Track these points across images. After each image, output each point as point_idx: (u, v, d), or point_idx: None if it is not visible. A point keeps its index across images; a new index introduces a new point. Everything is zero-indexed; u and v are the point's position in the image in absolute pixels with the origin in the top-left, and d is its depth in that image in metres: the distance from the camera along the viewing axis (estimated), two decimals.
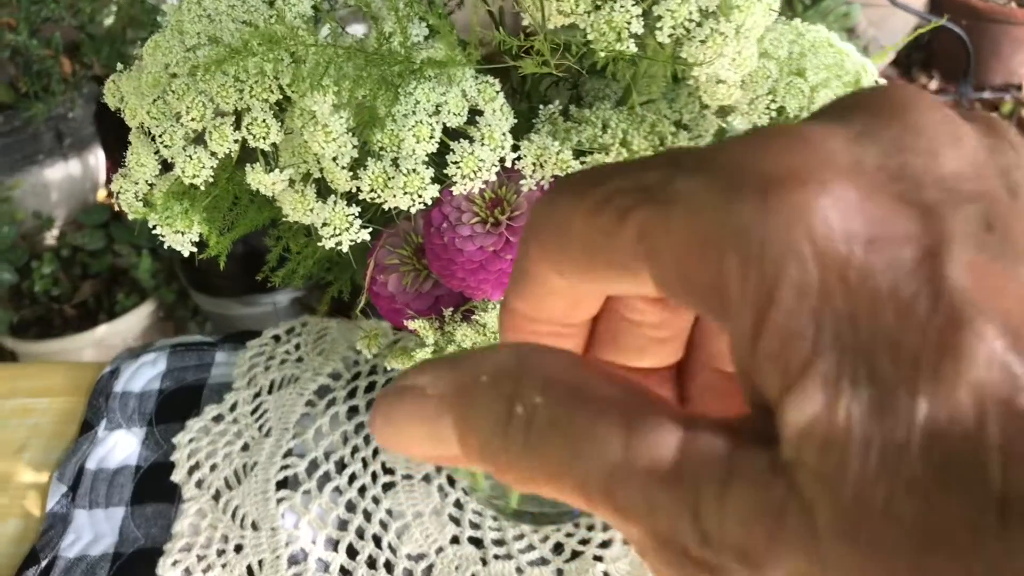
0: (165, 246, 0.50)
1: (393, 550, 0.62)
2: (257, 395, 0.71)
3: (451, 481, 0.66)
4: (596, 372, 0.19)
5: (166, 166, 0.49)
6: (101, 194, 1.76)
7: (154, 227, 0.49)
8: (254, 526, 0.64)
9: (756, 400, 0.17)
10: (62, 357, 1.53)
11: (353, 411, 0.70)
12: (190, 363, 0.74)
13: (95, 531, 0.64)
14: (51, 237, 1.68)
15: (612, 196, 0.18)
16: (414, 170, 0.45)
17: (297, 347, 0.75)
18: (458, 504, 0.65)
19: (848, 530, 0.14)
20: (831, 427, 0.15)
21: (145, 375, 0.73)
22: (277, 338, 0.76)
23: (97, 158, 1.76)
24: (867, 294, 0.15)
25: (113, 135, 1.73)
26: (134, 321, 1.58)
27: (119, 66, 0.52)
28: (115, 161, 1.76)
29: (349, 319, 0.77)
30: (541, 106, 0.51)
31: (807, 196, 0.16)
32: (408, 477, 0.66)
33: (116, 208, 1.65)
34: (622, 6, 0.42)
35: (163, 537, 0.64)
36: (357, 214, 0.46)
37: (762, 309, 0.16)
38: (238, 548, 0.63)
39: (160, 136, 0.46)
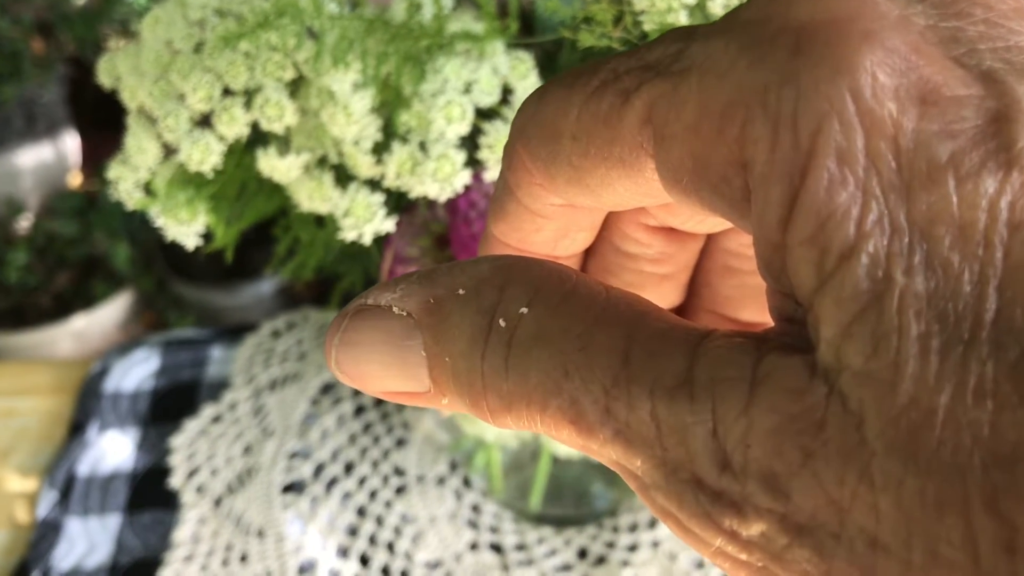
0: (170, 237, 0.46)
1: (408, 557, 0.59)
2: (257, 393, 0.68)
3: (467, 483, 0.62)
4: (591, 282, 0.16)
5: (168, 150, 0.45)
6: (75, 179, 1.71)
7: (140, 215, 0.45)
8: (259, 533, 0.60)
9: (783, 307, 0.14)
10: (38, 349, 1.47)
11: (360, 409, 0.67)
12: (184, 360, 0.70)
13: (90, 541, 0.60)
14: (23, 224, 1.62)
15: (614, 78, 0.16)
16: (445, 154, 0.41)
17: (299, 342, 0.71)
18: (475, 508, 0.61)
19: (905, 442, 0.12)
20: (881, 321, 0.12)
21: (137, 373, 0.69)
22: (277, 333, 0.72)
23: (71, 142, 1.70)
24: (923, 163, 0.12)
25: (88, 118, 1.68)
26: (112, 311, 1.53)
27: (113, 43, 0.47)
28: (90, 145, 1.70)
29: None
30: None
31: (849, 47, 0.13)
32: (421, 479, 0.62)
33: (91, 193, 1.60)
34: None
35: (162, 546, 0.60)
36: (382, 202, 0.42)
37: (795, 182, 0.13)
38: (243, 557, 0.59)
39: (164, 119, 0.42)
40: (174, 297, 1.57)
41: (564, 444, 0.16)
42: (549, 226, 0.19)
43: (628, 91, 0.15)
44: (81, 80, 1.61)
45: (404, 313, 0.17)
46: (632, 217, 0.21)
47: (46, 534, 0.60)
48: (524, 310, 0.16)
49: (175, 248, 0.46)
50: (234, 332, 0.72)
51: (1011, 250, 0.12)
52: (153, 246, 1.54)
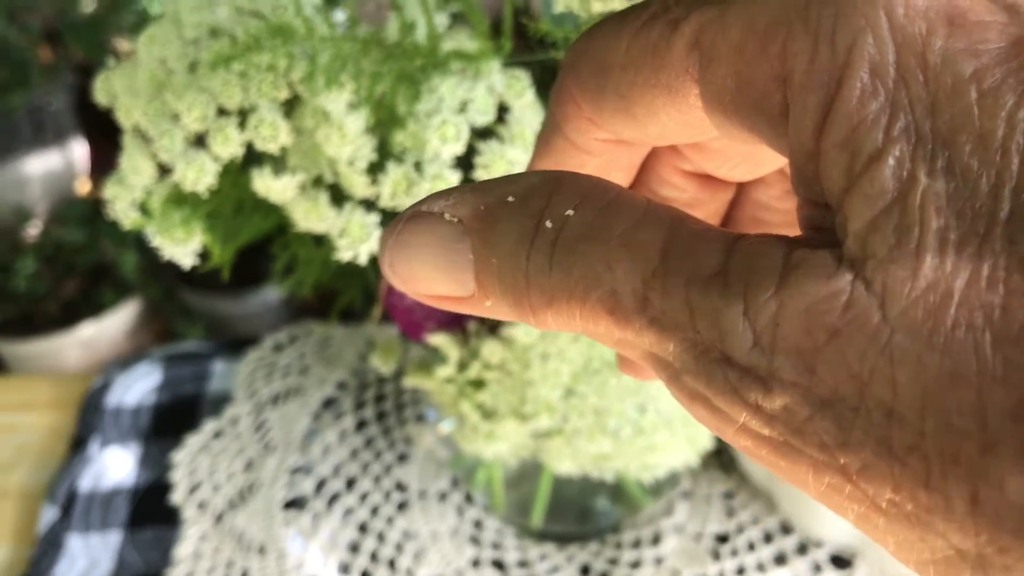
0: (167, 256, 0.45)
1: (410, 574, 0.58)
2: (259, 408, 0.67)
3: (469, 498, 0.62)
4: (634, 193, 0.17)
5: (163, 169, 0.45)
6: (83, 187, 1.71)
7: (141, 235, 0.45)
8: (261, 550, 0.60)
9: (813, 216, 0.15)
10: (47, 358, 1.48)
11: (362, 424, 0.66)
12: (186, 374, 0.70)
13: (90, 557, 0.60)
14: (32, 232, 1.62)
15: (663, 10, 0.17)
16: (439, 174, 0.41)
17: (301, 356, 0.70)
18: (478, 524, 0.61)
19: (923, 321, 0.13)
20: (905, 215, 0.13)
21: (139, 388, 0.69)
22: (279, 346, 0.71)
23: (78, 150, 1.71)
24: (949, 79, 0.14)
25: (96, 126, 1.68)
26: (120, 319, 1.53)
27: (109, 61, 0.47)
28: (98, 153, 1.70)
29: (356, 324, 0.73)
30: None
31: None
32: (423, 495, 0.62)
33: (99, 200, 1.60)
34: None
35: (164, 563, 0.60)
36: (377, 222, 0.42)
37: (831, 91, 0.14)
38: (244, 574, 0.59)
39: (159, 139, 0.42)
40: (182, 305, 1.57)
41: (600, 340, 0.17)
42: (591, 163, 0.21)
43: (678, 20, 0.17)
44: (89, 88, 1.62)
45: (455, 219, 0.18)
46: (669, 160, 0.22)
47: (47, 551, 0.60)
48: (571, 212, 0.17)
49: None
50: (236, 345, 0.72)
51: None
52: (161, 254, 1.54)
